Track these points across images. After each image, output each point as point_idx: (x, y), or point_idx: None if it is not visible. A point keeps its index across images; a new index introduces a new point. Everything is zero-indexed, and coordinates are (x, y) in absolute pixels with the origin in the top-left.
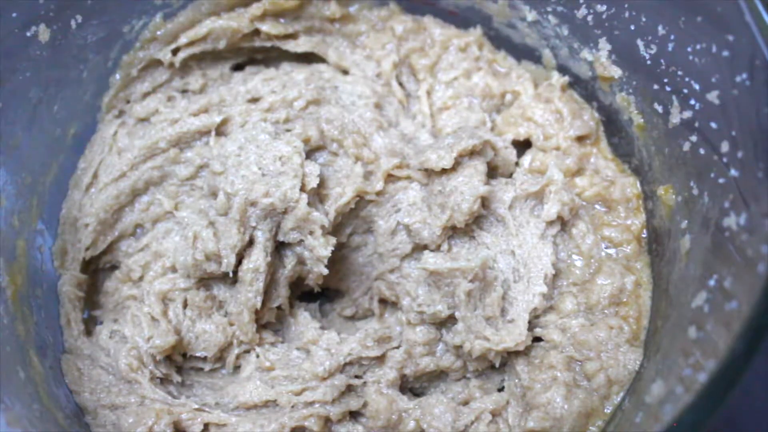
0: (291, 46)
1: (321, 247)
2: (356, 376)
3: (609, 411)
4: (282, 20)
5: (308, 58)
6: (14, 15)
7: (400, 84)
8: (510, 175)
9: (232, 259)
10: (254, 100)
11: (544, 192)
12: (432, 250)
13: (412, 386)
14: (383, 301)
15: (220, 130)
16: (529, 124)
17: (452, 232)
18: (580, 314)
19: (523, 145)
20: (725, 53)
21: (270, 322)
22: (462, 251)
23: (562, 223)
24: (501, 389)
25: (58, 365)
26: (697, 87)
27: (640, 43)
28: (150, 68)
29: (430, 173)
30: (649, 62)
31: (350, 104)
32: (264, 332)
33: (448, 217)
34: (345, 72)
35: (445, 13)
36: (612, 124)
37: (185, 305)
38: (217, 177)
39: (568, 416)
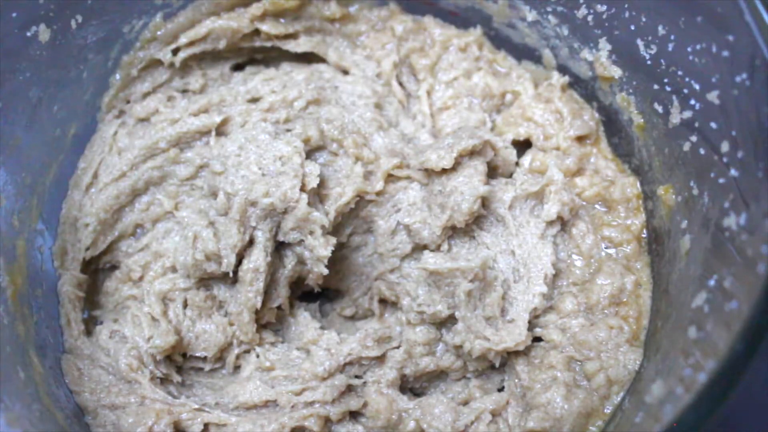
0: (291, 46)
1: (321, 247)
2: (356, 376)
3: (609, 411)
4: (282, 20)
5: (308, 58)
6: (14, 15)
7: (400, 84)
8: (510, 175)
9: (232, 259)
10: (254, 100)
11: (544, 192)
12: (432, 250)
13: (412, 386)
14: (383, 301)
15: (220, 130)
16: (529, 124)
17: (452, 232)
18: (580, 314)
19: (523, 145)
20: (725, 53)
21: (270, 322)
22: (462, 251)
23: (562, 223)
24: (501, 389)
25: (58, 365)
26: (697, 87)
27: (640, 43)
28: (150, 68)
29: (430, 173)
30: (649, 62)
31: (350, 104)
32: (264, 332)
33: (448, 217)
34: (345, 72)
35: (445, 13)
36: (612, 124)
37: (185, 305)
38: (217, 177)
39: (568, 416)
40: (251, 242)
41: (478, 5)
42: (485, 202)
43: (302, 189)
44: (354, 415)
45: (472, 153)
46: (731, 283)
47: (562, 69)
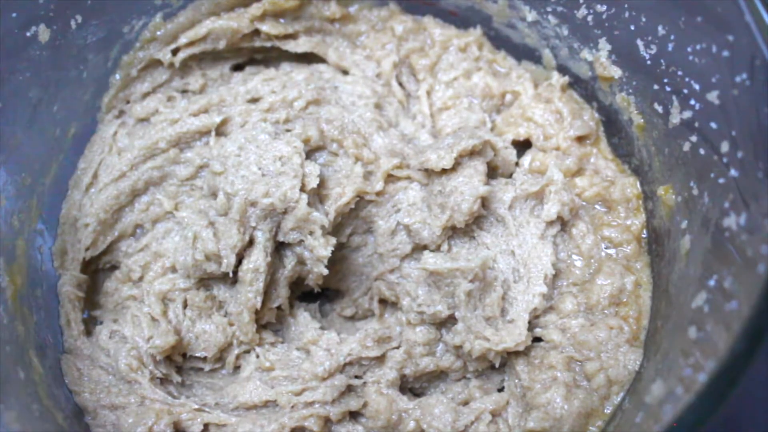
0: (291, 46)
1: (321, 247)
2: (356, 377)
3: (609, 411)
4: (282, 20)
5: (308, 58)
6: (14, 15)
7: (400, 84)
8: (510, 175)
9: (232, 260)
10: (254, 100)
11: (544, 192)
12: (432, 250)
13: (412, 386)
14: (383, 302)
15: (220, 130)
16: (529, 124)
17: (452, 232)
18: (580, 314)
19: (523, 145)
20: (725, 53)
21: (270, 322)
22: (462, 251)
23: (562, 223)
24: (501, 389)
25: (58, 365)
26: (697, 87)
27: (640, 43)
28: (150, 68)
29: (430, 173)
30: (649, 62)
31: (350, 104)
32: (264, 332)
33: (448, 218)
34: (345, 72)
35: (445, 13)
36: (612, 124)
37: (185, 305)
38: (217, 177)
39: (567, 416)
40: (251, 242)
41: (478, 5)
42: (485, 202)
43: (302, 189)
44: (354, 416)
45: (472, 153)
46: (731, 283)
47: (562, 69)
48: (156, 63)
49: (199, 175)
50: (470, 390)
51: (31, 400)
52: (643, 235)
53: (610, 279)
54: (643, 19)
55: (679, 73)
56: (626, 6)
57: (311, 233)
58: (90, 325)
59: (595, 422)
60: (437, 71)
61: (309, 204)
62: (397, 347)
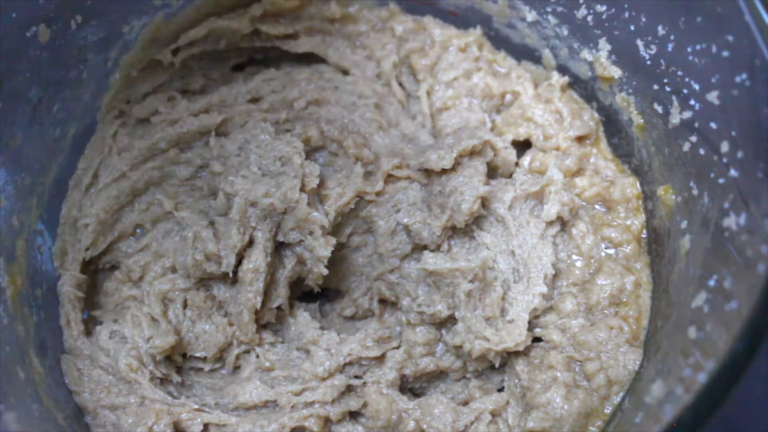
0: (291, 46)
1: (321, 248)
2: (356, 377)
3: (609, 411)
4: (282, 20)
5: (308, 59)
6: (14, 15)
7: (400, 84)
8: (510, 176)
9: (232, 260)
10: (254, 100)
11: (544, 192)
12: (432, 251)
13: (411, 386)
14: (383, 302)
15: (221, 130)
16: (528, 125)
17: (452, 232)
18: (580, 314)
19: (523, 145)
20: (725, 53)
21: (270, 322)
22: (462, 251)
23: (562, 224)
24: (501, 389)
25: (58, 365)
26: (696, 87)
27: (639, 43)
28: (150, 68)
29: (430, 173)
30: (648, 62)
31: (350, 104)
32: (264, 332)
33: (448, 218)
34: (345, 72)
35: (445, 13)
36: (612, 125)
37: (185, 305)
38: (217, 177)
39: (567, 416)
40: (251, 242)
41: (478, 5)
42: (485, 202)
43: (302, 189)
44: (354, 416)
45: (472, 153)
46: (731, 283)
47: (562, 69)
48: (156, 63)
49: (199, 175)
50: (470, 390)
51: (31, 400)
52: (643, 235)
53: (610, 279)
54: (643, 19)
55: (679, 73)
56: (626, 6)
57: (311, 233)
58: (90, 325)
59: (595, 422)
60: (437, 71)
61: (309, 204)
62: (397, 347)
